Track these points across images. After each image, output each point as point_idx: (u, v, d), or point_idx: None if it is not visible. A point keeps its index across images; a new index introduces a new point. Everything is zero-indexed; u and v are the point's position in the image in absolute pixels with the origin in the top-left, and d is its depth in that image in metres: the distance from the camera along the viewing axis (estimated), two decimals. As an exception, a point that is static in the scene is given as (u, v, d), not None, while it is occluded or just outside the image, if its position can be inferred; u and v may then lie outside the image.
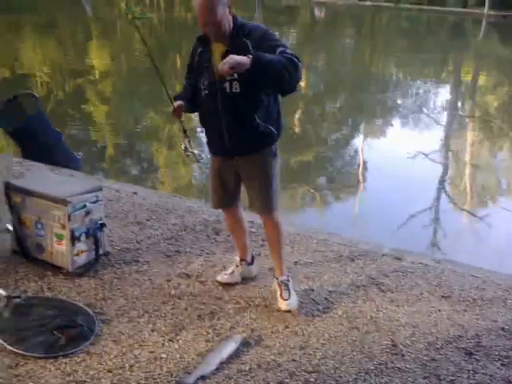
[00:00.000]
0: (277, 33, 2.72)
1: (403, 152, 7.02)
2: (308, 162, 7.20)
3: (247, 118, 2.65)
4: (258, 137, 2.71)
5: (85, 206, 3.17)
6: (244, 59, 2.36)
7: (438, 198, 5.97)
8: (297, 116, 9.21)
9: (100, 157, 6.90)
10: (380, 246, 3.77)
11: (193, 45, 2.77)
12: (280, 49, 2.49)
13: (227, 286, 3.12)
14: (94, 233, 3.23)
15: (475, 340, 2.77)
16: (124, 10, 20.27)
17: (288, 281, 2.94)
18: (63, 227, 3.11)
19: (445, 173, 6.96)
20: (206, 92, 2.67)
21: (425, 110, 10.43)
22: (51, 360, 2.42)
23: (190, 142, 2.85)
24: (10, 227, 3.30)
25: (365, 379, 2.45)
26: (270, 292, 3.02)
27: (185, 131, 2.84)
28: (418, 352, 2.66)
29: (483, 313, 3.02)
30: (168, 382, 2.35)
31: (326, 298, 3.06)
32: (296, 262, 3.46)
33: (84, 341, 2.55)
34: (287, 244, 3.62)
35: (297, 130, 8.44)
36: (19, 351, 2.43)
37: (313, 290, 3.14)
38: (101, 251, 3.29)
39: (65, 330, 2.56)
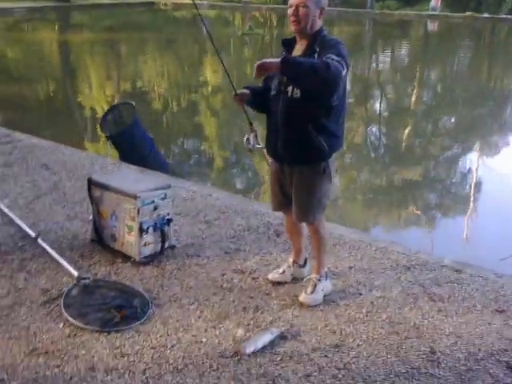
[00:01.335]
0: (344, 49, 2.59)
1: None
2: (417, 180, 6.90)
3: (301, 125, 2.70)
4: (307, 148, 2.74)
5: (153, 201, 3.48)
6: (273, 61, 2.48)
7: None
8: (406, 132, 9.04)
9: (194, 162, 7.35)
10: (441, 257, 3.70)
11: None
12: (328, 55, 2.51)
13: (277, 284, 3.26)
14: (161, 227, 3.52)
15: (522, 355, 2.67)
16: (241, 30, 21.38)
17: (319, 280, 3.06)
18: (133, 219, 3.43)
19: None
20: (274, 93, 2.78)
21: None
22: (105, 334, 2.72)
23: (256, 136, 2.95)
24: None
25: (393, 381, 2.48)
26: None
27: (251, 124, 2.95)
28: (455, 361, 2.62)
29: (538, 330, 2.89)
30: (203, 362, 2.55)
31: (371, 302, 3.10)
32: (350, 267, 3.50)
33: (136, 320, 2.82)
34: (345, 249, 3.71)
35: (406, 145, 8.13)
36: (79, 324, 2.76)
37: (360, 294, 3.18)
38: (166, 244, 3.58)
39: (121, 310, 2.86)
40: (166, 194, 3.57)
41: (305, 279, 3.17)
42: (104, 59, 16.29)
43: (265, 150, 3.03)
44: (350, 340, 2.76)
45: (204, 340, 2.72)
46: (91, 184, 3.66)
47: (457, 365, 2.59)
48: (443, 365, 2.59)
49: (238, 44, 19.75)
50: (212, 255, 3.60)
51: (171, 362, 2.54)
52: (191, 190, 4.71)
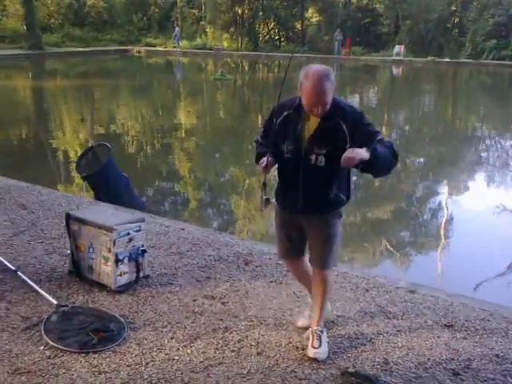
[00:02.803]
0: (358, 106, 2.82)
1: (488, 208, 6.92)
2: (388, 217, 7.19)
3: (324, 190, 2.81)
4: (330, 203, 2.86)
5: (128, 233, 3.72)
6: (365, 153, 2.52)
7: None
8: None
9: (169, 201, 7.60)
10: (397, 279, 4.00)
11: (277, 105, 2.84)
12: (379, 137, 2.68)
13: (244, 307, 3.50)
14: (135, 257, 3.76)
15: (466, 363, 2.95)
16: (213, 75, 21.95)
17: (321, 332, 3.02)
18: (109, 251, 3.66)
19: None
20: (289, 156, 2.80)
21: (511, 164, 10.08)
22: (83, 355, 2.91)
23: (265, 191, 2.92)
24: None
25: (350, 388, 2.72)
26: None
27: (265, 184, 2.92)
28: (406, 369, 2.89)
29: (482, 341, 3.18)
30: (175, 377, 2.76)
31: (332, 322, 3.35)
32: (313, 291, 3.77)
33: (113, 342, 3.02)
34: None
35: (377, 184, 8.28)
36: (59, 346, 2.95)
37: (322, 314, 3.44)
38: (141, 274, 3.80)
39: (98, 333, 3.06)
40: (140, 227, 3.82)
41: (305, 335, 3.11)
42: (78, 104, 16.62)
43: (273, 201, 3.02)
44: (312, 354, 3.01)
45: (176, 358, 2.93)
46: (69, 219, 3.88)
47: (407, 373, 2.86)
48: (395, 373, 2.85)
49: (211, 89, 20.35)
50: (184, 283, 3.83)
51: (146, 377, 2.74)
52: (165, 224, 4.96)
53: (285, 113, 2.83)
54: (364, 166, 2.58)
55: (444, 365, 2.94)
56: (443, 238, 6.42)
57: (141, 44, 34.78)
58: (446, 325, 3.36)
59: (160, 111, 15.67)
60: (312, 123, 2.76)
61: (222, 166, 9.58)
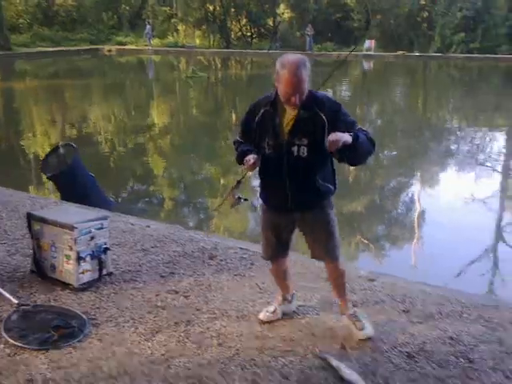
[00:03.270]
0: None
1: (459, 199, 7.06)
2: (362, 211, 7.27)
3: (310, 180, 2.83)
4: (318, 195, 2.89)
5: (90, 231, 3.73)
6: (347, 136, 2.56)
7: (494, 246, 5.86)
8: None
9: (137, 201, 7.59)
10: (358, 269, 4.09)
11: (253, 104, 2.89)
12: (358, 127, 2.74)
13: (207, 300, 3.54)
14: (98, 255, 3.77)
15: (420, 346, 3.04)
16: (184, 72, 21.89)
17: (355, 313, 3.13)
18: (71, 249, 3.66)
19: (502, 219, 6.74)
20: (271, 151, 2.81)
21: (481, 156, 10.25)
22: (43, 351, 2.92)
23: (238, 189, 3.02)
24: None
25: (307, 373, 2.78)
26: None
27: (239, 182, 3.03)
28: (363, 354, 2.96)
29: (436, 324, 3.28)
30: (135, 370, 2.79)
31: (293, 311, 3.42)
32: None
33: (74, 338, 3.04)
34: (265, 264, 4.03)
35: (351, 178, 8.43)
36: (19, 344, 2.95)
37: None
38: (104, 271, 3.82)
39: (59, 329, 3.07)
40: (102, 224, 3.83)
41: (343, 322, 3.17)
42: (49, 105, 16.43)
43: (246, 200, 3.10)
44: (271, 342, 3.06)
45: (137, 351, 2.96)
46: (31, 218, 3.87)
47: (363, 356, 2.93)
48: (351, 357, 2.92)
49: (183, 87, 20.29)
50: (148, 279, 3.86)
51: (105, 370, 2.77)
52: (130, 222, 4.98)
53: (262, 110, 2.82)
54: (345, 152, 2.60)
55: (399, 348, 3.02)
56: (415, 228, 6.56)
57: (112, 43, 34.39)
58: (403, 310, 3.45)
59: (132, 110, 15.58)
60: (290, 115, 2.77)
61: (193, 164, 9.59)
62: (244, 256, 4.26)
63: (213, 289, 3.72)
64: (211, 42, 34.86)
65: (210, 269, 4.04)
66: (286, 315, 3.32)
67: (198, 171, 9.23)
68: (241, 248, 4.39)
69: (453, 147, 11.31)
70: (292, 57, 2.69)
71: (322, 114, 2.72)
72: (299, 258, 4.06)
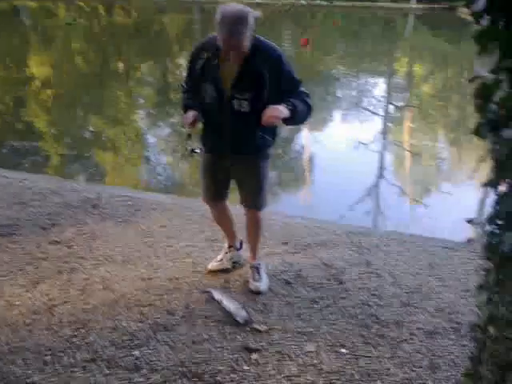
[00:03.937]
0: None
1: (345, 144, 7.38)
2: None
3: (248, 132, 2.76)
4: (254, 147, 2.84)
5: (-42, 186, 3.52)
6: (285, 110, 2.55)
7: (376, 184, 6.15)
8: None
9: (18, 155, 7.17)
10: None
11: (196, 47, 2.78)
12: (301, 89, 2.70)
13: (91, 248, 3.52)
14: (-31, 210, 3.58)
15: (297, 273, 3.27)
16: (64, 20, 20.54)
17: (259, 265, 3.17)
18: None
19: (384, 160, 7.04)
20: (210, 101, 2.72)
21: (364, 101, 10.58)
22: None
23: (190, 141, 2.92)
24: None
25: (188, 306, 2.90)
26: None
27: (189, 135, 2.91)
28: (244, 286, 3.13)
29: (311, 252, 3.53)
30: (17, 321, 2.74)
31: (177, 250, 3.50)
32: (162, 226, 3.88)
33: None
34: (159, 212, 4.07)
35: None
36: None
37: (171, 246, 3.58)
38: (-22, 227, 3.64)
39: None
40: (-29, 178, 3.62)
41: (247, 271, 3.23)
42: None
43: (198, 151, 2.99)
44: (156, 282, 3.14)
45: (18, 303, 2.90)
46: None
47: (245, 288, 3.10)
48: (233, 289, 3.08)
49: (63, 35, 19.07)
50: (27, 232, 3.74)
51: (-17, 324, 2.70)
52: (4, 176, 4.73)
53: (205, 55, 2.69)
54: (283, 121, 2.61)
55: (278, 276, 3.23)
56: (305, 172, 6.83)
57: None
58: (282, 242, 3.66)
59: (8, 62, 14.43)
60: (232, 68, 2.63)
61: (77, 117, 9.17)
62: (129, 203, 4.25)
63: (97, 237, 3.70)
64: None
65: (93, 218, 3.99)
66: (236, 263, 3.33)
67: (83, 124, 8.86)
68: (125, 195, 4.37)
69: (338, 94, 11.74)
70: (231, 11, 2.49)
71: (265, 69, 2.61)
72: (180, 202, 4.12)
